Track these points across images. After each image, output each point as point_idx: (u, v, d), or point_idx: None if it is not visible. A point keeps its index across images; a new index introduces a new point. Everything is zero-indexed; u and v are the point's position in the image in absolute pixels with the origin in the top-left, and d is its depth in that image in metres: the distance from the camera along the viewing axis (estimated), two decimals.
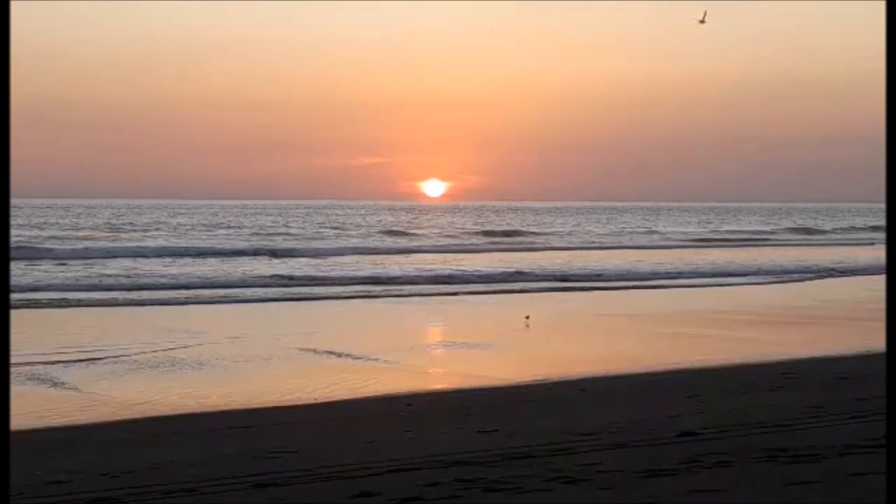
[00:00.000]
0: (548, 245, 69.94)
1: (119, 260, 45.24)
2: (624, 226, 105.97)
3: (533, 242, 73.21)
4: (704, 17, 36.79)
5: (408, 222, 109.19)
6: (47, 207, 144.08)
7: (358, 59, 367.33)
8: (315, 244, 63.60)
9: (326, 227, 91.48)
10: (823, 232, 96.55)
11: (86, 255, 47.08)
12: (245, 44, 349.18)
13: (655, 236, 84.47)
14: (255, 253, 53.16)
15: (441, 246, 65.62)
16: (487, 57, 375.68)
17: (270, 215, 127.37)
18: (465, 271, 40.76)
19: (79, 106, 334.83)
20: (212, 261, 46.80)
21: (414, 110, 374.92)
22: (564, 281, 37.73)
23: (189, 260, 46.75)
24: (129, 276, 36.49)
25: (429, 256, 54.26)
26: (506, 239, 76.66)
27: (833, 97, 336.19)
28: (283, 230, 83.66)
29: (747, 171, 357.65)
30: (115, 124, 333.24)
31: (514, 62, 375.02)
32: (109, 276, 36.71)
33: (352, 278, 37.59)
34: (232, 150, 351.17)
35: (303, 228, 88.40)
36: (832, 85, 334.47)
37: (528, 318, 24.08)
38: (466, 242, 70.72)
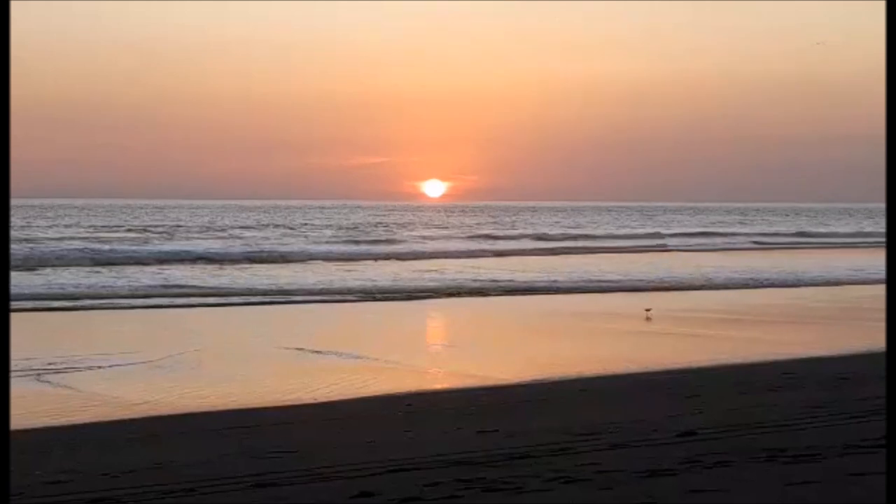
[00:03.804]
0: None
1: (121, 264, 44.98)
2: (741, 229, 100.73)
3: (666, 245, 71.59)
4: (822, 42, 37.67)
5: (473, 222, 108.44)
6: (45, 207, 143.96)
7: (358, 58, 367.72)
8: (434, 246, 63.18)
9: (418, 228, 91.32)
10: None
11: (82, 260, 46.57)
12: (245, 44, 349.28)
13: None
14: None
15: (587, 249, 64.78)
16: (488, 56, 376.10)
17: (318, 215, 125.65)
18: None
19: (79, 106, 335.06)
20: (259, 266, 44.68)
21: (414, 110, 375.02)
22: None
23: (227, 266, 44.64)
24: (159, 284, 35.64)
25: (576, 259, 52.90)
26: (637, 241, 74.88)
27: (833, 97, 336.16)
28: (382, 231, 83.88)
29: (747, 172, 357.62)
30: (114, 124, 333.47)
31: (515, 62, 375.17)
32: (107, 282, 36.38)
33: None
34: (232, 150, 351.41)
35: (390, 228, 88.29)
36: (832, 85, 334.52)
37: (649, 311, 24.64)
38: (572, 245, 68.63)
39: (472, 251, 58.69)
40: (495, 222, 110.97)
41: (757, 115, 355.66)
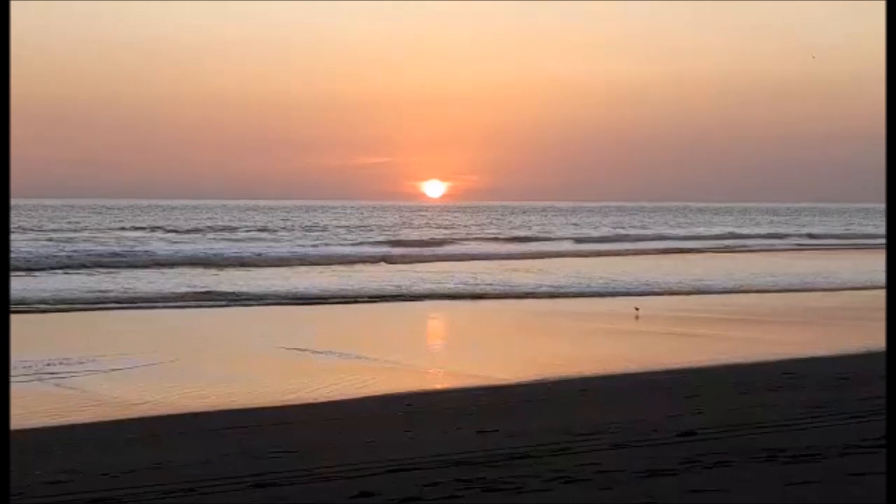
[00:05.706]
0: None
1: (120, 266, 44.80)
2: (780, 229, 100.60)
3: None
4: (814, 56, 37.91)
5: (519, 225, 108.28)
6: (44, 207, 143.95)
7: (358, 58, 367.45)
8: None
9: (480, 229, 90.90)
10: None
11: (83, 261, 46.13)
12: (245, 44, 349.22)
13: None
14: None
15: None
16: (488, 56, 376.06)
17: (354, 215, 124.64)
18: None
19: (79, 106, 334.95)
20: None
21: (414, 110, 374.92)
22: None
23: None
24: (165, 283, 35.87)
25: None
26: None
27: (833, 97, 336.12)
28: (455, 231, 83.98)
29: (747, 171, 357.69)
30: (115, 124, 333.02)
31: (515, 62, 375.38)
32: (107, 284, 36.35)
33: None
34: (232, 150, 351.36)
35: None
36: (832, 85, 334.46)
37: (637, 309, 24.96)
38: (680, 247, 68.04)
39: (517, 252, 58.63)
40: (504, 222, 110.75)
41: (757, 115, 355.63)
